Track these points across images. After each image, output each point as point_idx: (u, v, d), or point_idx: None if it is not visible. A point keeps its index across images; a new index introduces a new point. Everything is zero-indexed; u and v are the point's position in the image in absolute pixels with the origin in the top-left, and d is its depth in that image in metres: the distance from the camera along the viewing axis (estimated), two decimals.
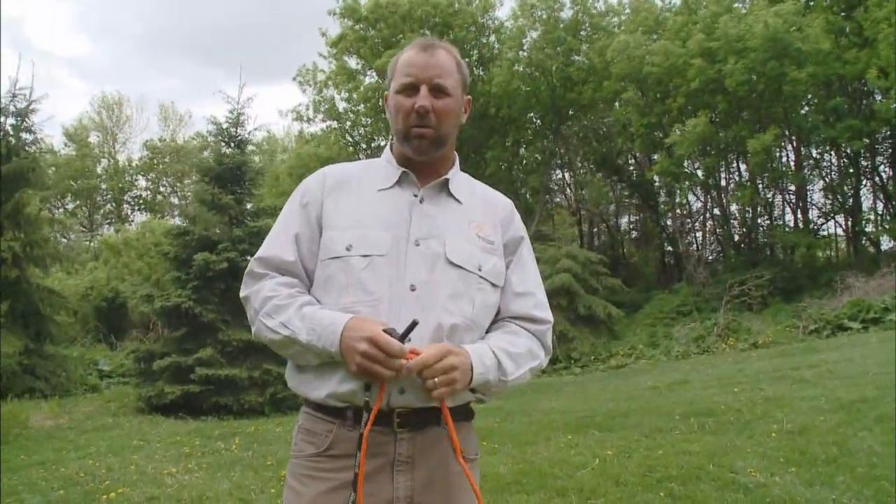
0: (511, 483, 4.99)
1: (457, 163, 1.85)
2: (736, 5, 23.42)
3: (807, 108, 23.37)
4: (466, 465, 1.68)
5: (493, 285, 1.73)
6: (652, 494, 4.50)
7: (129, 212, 42.52)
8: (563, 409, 9.09)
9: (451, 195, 1.77)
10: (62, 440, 8.10)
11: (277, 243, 1.75)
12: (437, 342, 1.58)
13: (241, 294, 1.75)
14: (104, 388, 13.17)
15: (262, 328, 1.66)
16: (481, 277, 1.70)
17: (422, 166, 1.76)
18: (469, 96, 1.85)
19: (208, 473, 6.02)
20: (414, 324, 1.51)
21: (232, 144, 12.23)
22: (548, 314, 1.81)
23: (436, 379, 1.50)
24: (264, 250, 1.75)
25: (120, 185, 41.20)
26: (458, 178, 1.83)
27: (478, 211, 1.79)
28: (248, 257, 11.45)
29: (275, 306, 1.64)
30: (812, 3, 22.64)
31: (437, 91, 1.70)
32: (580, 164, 33.35)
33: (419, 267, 1.64)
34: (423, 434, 1.63)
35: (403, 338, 1.50)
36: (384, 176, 1.77)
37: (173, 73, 68.40)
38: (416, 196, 1.73)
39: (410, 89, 1.70)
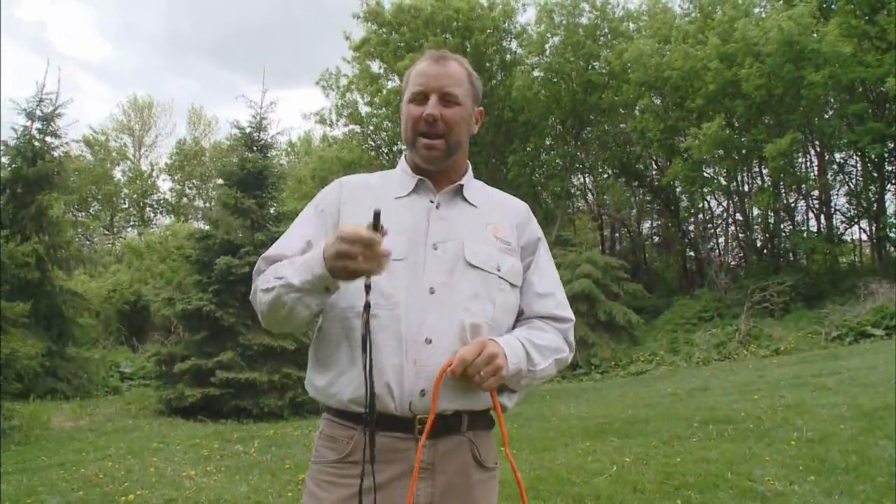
0: (528, 489, 4.98)
1: (470, 170, 1.88)
2: (756, 10, 23.25)
3: (829, 113, 23.13)
4: (485, 473, 1.72)
5: (513, 285, 1.76)
6: (669, 502, 4.48)
7: (152, 215, 42.95)
8: (582, 416, 9.06)
9: (465, 200, 1.80)
10: (82, 441, 8.19)
11: (285, 243, 1.77)
12: (462, 343, 1.60)
13: (251, 294, 1.77)
14: (125, 391, 13.33)
15: (262, 299, 1.67)
16: (501, 278, 1.72)
17: (435, 174, 1.78)
18: (481, 108, 1.87)
19: (226, 476, 6.06)
20: (376, 213, 1.47)
21: (255, 149, 12.32)
22: (570, 313, 1.85)
23: (482, 372, 1.53)
24: (271, 250, 1.77)
25: (143, 189, 41.59)
26: (472, 184, 1.86)
27: (493, 214, 1.82)
28: None
29: (269, 274, 1.68)
30: (833, 7, 22.41)
31: (447, 100, 1.73)
32: (601, 169, 33.24)
33: (438, 270, 1.66)
34: (444, 441, 1.64)
35: (375, 227, 1.46)
36: (400, 184, 1.80)
37: (191, 75, 68.89)
38: (432, 202, 1.76)
39: (421, 98, 1.74)
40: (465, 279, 1.67)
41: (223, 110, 69.49)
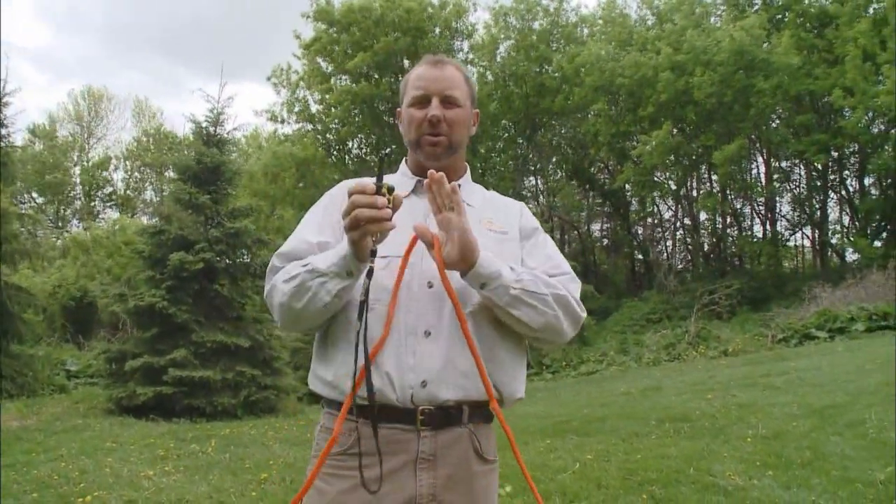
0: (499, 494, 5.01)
1: (468, 172, 1.93)
2: (713, 20, 23.82)
3: (777, 122, 23.83)
4: (486, 465, 1.72)
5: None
6: (634, 497, 4.56)
7: (101, 208, 41.89)
8: (539, 415, 9.15)
9: (462, 200, 1.81)
10: (31, 442, 7.93)
11: (296, 240, 1.78)
12: (455, 330, 1.62)
13: (265, 291, 1.76)
14: (72, 389, 12.94)
15: (282, 289, 1.66)
16: None
17: None
18: (477, 109, 1.93)
19: (186, 476, 5.95)
20: (381, 158, 1.52)
21: (211, 144, 12.12)
22: (566, 268, 1.81)
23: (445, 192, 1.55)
24: (284, 246, 1.78)
25: (94, 181, 40.52)
26: (470, 186, 1.91)
27: (488, 211, 1.86)
28: (225, 259, 11.39)
29: (291, 267, 1.68)
30: (785, 20, 23.09)
31: (448, 102, 1.78)
32: (552, 172, 33.56)
33: (435, 265, 1.67)
34: (444, 433, 1.66)
35: (379, 179, 1.48)
36: (400, 186, 1.79)
37: (136, 67, 67.09)
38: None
39: (422, 101, 1.78)
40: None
41: (166, 102, 68.38)
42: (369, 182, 1.48)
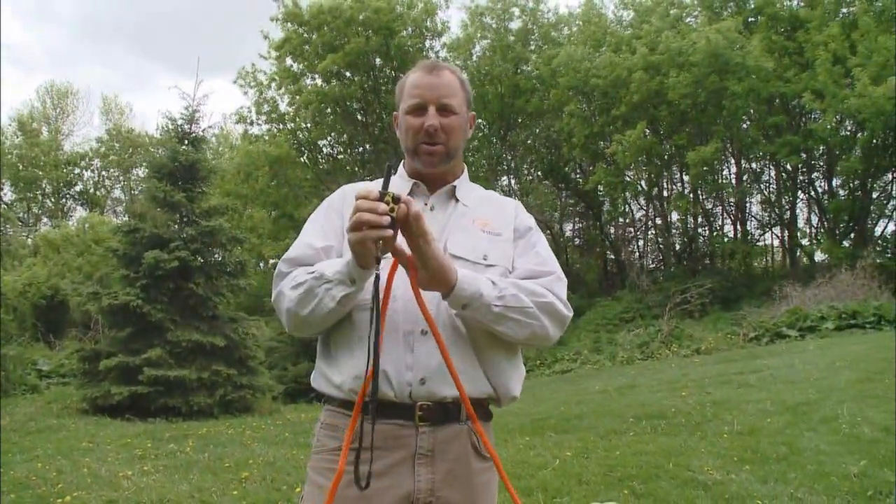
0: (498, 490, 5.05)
1: (465, 172, 1.95)
2: (688, 20, 24.08)
3: (748, 124, 24.16)
4: (485, 462, 1.77)
5: (504, 268, 1.79)
6: (615, 492, 4.62)
7: (71, 206, 41.29)
8: (516, 412, 9.18)
9: (458, 200, 1.87)
10: (5, 442, 7.81)
11: (302, 245, 1.81)
12: (453, 328, 1.68)
13: (273, 296, 1.79)
14: (44, 389, 12.79)
15: (290, 295, 1.69)
16: (487, 266, 1.76)
17: (431, 178, 1.86)
18: (473, 112, 1.96)
19: (165, 476, 5.92)
20: (388, 167, 1.56)
21: (186, 142, 12.02)
22: (553, 268, 1.82)
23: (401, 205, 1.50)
24: (290, 252, 1.81)
25: (66, 178, 39.88)
26: (466, 186, 1.93)
27: (483, 210, 1.89)
28: (200, 258, 11.30)
29: (298, 273, 1.72)
30: (756, 23, 23.41)
31: (444, 110, 1.80)
32: (526, 171, 33.71)
33: None
34: (443, 429, 1.69)
35: (384, 186, 1.51)
36: (397, 189, 1.82)
37: (106, 63, 66.30)
38: (426, 204, 1.84)
39: (419, 109, 1.80)
40: None
41: (134, 98, 67.47)
42: (374, 188, 1.50)
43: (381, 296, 1.56)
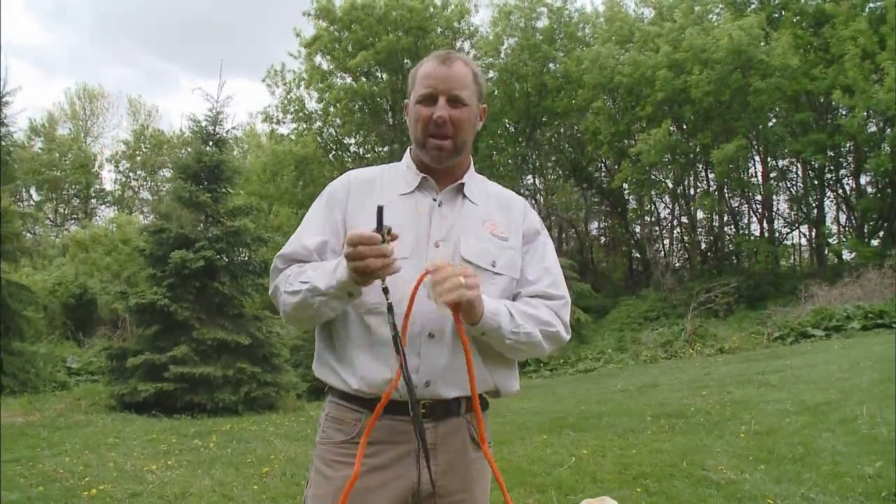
0: (491, 480, 5.09)
1: (472, 166, 1.96)
2: (711, 17, 23.85)
3: (774, 121, 23.90)
4: (480, 452, 1.83)
5: (509, 278, 1.84)
6: (629, 490, 4.66)
7: (98, 207, 41.94)
8: (536, 411, 9.25)
9: (466, 197, 1.87)
10: (35, 437, 8.02)
11: (299, 240, 1.84)
12: (454, 333, 1.69)
13: (270, 290, 1.86)
14: (73, 386, 13.06)
15: (286, 300, 1.76)
16: (495, 273, 1.80)
17: (439, 172, 1.86)
18: (485, 104, 1.94)
19: (189, 470, 6.05)
20: (380, 209, 1.56)
21: (211, 143, 12.21)
22: (563, 291, 1.89)
23: (447, 282, 1.55)
24: (286, 248, 1.84)
25: (87, 180, 40.53)
26: (474, 181, 1.92)
27: (492, 211, 1.90)
28: (225, 257, 11.47)
29: (293, 277, 1.77)
30: (781, 19, 23.15)
31: (454, 101, 1.79)
32: (551, 170, 33.66)
33: None
34: (444, 424, 1.76)
35: (378, 229, 1.55)
36: (405, 181, 1.87)
37: (127, 63, 67.15)
38: (435, 200, 1.84)
39: (429, 100, 1.79)
40: None
41: (158, 99, 68.20)
42: (370, 232, 1.54)
43: (389, 299, 1.60)
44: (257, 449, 7.06)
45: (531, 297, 1.85)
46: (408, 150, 1.95)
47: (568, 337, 1.87)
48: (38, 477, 5.83)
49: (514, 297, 1.86)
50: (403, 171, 1.90)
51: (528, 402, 10.37)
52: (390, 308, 1.60)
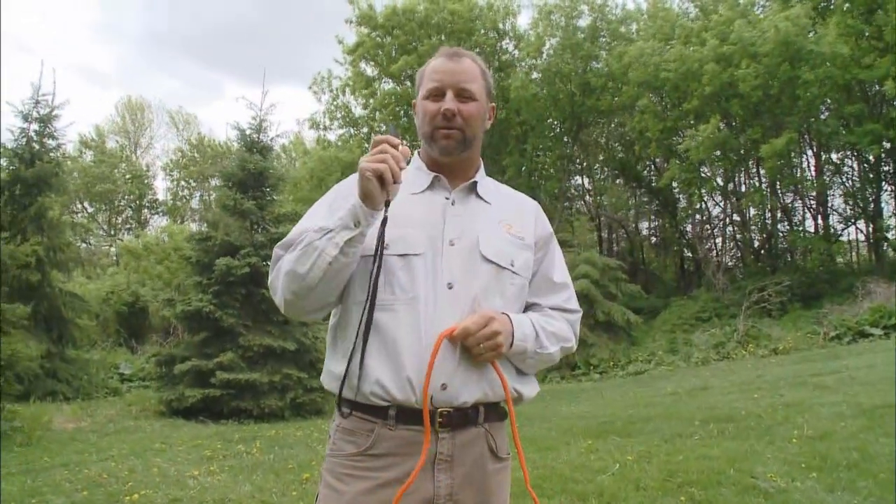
0: (532, 487, 4.99)
1: (482, 167, 1.92)
2: (757, 10, 23.29)
3: (826, 113, 23.19)
4: (499, 463, 1.76)
5: (525, 279, 1.82)
6: (672, 499, 4.51)
7: (148, 216, 42.94)
8: (583, 415, 9.10)
9: (479, 197, 1.84)
10: (84, 442, 8.20)
11: (298, 228, 1.78)
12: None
13: (269, 281, 1.78)
14: (125, 392, 13.32)
15: (285, 267, 1.68)
16: (514, 273, 1.77)
17: (450, 170, 1.82)
18: (493, 104, 1.91)
19: (230, 476, 6.08)
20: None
21: (255, 150, 12.34)
22: (577, 306, 1.95)
23: (481, 345, 1.60)
24: (287, 236, 1.77)
25: (139, 190, 41.54)
26: (485, 182, 1.90)
27: (506, 211, 1.86)
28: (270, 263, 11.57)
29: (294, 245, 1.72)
30: (831, 7, 22.48)
31: (463, 95, 1.77)
32: (599, 170, 33.29)
33: (455, 265, 1.69)
34: (461, 433, 1.68)
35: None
36: (416, 181, 1.82)
37: (171, 73, 68.73)
38: (447, 199, 1.80)
39: (437, 94, 1.78)
40: (479, 273, 1.71)
41: (202, 108, 69.71)
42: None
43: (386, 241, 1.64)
44: (300, 455, 7.07)
45: (551, 308, 1.87)
46: (415, 153, 1.91)
47: (576, 346, 1.92)
48: (83, 482, 5.93)
49: (530, 307, 1.86)
50: (413, 172, 1.84)
51: (576, 406, 10.23)
52: (384, 222, 1.62)
